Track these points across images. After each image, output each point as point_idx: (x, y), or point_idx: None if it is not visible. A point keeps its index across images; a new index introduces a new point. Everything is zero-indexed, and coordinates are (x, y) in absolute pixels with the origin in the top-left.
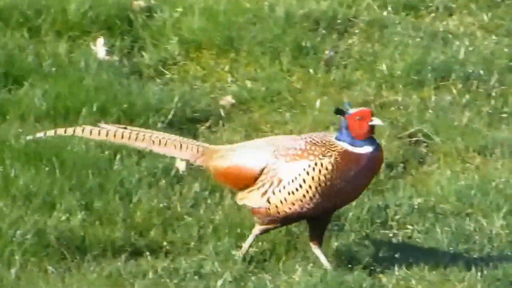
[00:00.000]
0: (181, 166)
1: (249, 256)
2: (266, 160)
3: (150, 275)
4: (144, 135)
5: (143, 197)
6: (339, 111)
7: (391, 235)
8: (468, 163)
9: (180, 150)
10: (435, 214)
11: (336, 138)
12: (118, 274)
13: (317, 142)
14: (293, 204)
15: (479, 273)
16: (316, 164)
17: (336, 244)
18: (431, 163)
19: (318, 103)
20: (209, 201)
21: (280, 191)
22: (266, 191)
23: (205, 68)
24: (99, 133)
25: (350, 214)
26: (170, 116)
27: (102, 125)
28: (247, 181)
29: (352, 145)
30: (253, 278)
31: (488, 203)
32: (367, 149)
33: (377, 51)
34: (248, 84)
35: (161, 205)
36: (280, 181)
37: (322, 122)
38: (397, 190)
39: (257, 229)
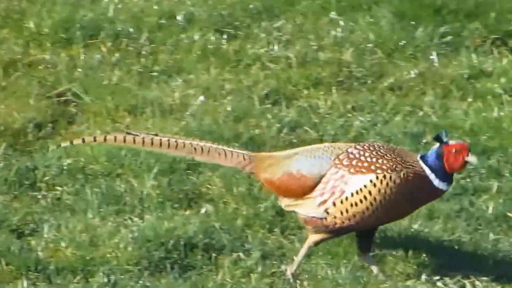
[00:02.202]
0: None
1: None
2: (326, 169)
3: None
4: (183, 142)
5: None
6: (438, 138)
7: (40, 196)
8: (118, 122)
9: (225, 158)
10: (85, 175)
11: (421, 158)
12: None
13: (385, 155)
14: (354, 216)
15: (129, 235)
16: (384, 177)
17: None
18: (80, 123)
19: None
20: None
21: (342, 202)
22: (325, 201)
23: None
24: (134, 141)
25: None
26: None
27: (136, 132)
28: (303, 190)
29: (434, 173)
30: None
31: (139, 164)
32: (444, 186)
33: (24, 8)
34: None
35: None
36: (342, 192)
37: None
38: (46, 151)
39: (311, 241)
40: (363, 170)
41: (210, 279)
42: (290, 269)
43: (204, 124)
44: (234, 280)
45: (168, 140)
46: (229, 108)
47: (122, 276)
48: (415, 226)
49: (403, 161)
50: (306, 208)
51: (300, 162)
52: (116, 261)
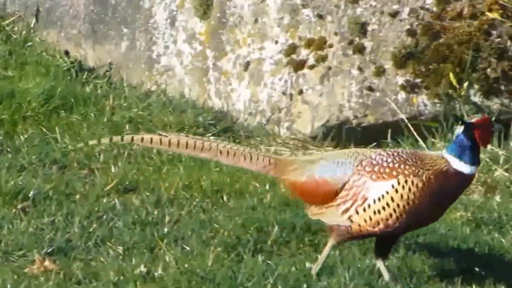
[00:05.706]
0: None
1: None
2: (348, 176)
3: None
4: (210, 145)
5: None
6: (462, 121)
7: None
8: None
9: (250, 162)
10: None
11: (447, 151)
12: None
13: (407, 160)
14: (378, 223)
15: None
16: (406, 181)
17: None
18: None
19: None
20: None
21: (364, 209)
22: (348, 209)
23: None
24: (160, 142)
25: None
26: None
27: (163, 133)
28: (326, 197)
29: (463, 160)
30: None
31: None
32: (471, 169)
33: None
34: None
35: None
36: (365, 199)
37: None
38: None
39: (334, 240)
40: (384, 176)
41: None
42: (314, 268)
43: None
44: None
45: (195, 142)
46: None
47: None
48: None
49: (424, 164)
50: (330, 217)
51: (323, 167)
52: None
